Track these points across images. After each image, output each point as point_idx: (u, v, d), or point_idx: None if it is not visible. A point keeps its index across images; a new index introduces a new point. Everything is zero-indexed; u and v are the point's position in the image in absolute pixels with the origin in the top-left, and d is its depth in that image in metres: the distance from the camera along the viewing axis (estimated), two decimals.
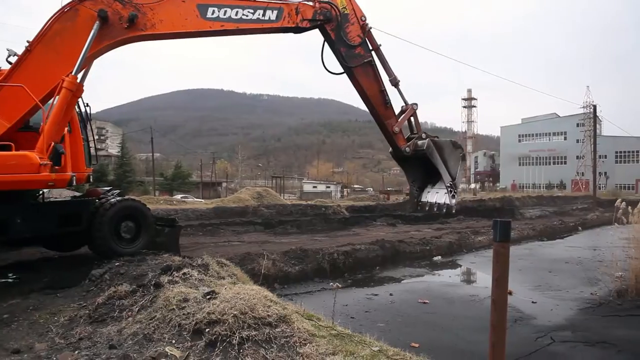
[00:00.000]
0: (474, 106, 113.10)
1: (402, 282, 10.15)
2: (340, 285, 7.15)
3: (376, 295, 8.69)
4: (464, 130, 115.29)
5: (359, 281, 10.08)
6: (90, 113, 8.78)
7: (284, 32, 7.69)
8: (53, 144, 6.64)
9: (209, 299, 4.38)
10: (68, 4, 7.11)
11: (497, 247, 3.04)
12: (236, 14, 7.20)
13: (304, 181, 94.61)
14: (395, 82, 7.54)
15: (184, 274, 5.24)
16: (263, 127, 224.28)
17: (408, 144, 7.43)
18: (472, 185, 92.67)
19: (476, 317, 7.15)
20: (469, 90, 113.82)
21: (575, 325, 6.78)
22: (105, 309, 4.85)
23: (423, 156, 7.22)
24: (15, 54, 7.29)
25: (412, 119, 7.63)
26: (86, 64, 7.78)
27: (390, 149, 7.91)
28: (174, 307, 4.33)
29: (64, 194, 11.88)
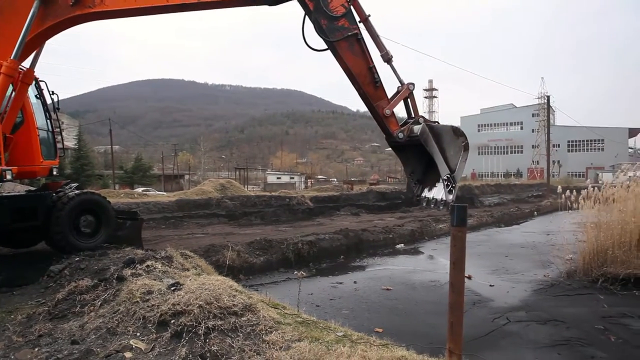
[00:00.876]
0: (435, 97, 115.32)
1: (366, 270, 10.34)
2: (304, 274, 7.18)
3: (341, 283, 8.84)
4: None
5: (323, 270, 10.21)
6: (58, 102, 8.42)
7: (254, 5, 6.93)
8: None
9: (173, 290, 4.36)
10: None
11: (455, 232, 3.19)
12: None
13: (267, 172, 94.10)
14: (387, 58, 6.67)
15: (148, 266, 5.18)
16: (226, 118, 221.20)
17: (402, 128, 6.56)
18: None
19: (437, 301, 7.41)
20: (430, 81, 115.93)
21: (529, 306, 7.15)
22: (65, 304, 4.76)
23: (419, 143, 6.37)
24: None
25: (409, 101, 6.69)
26: (34, 47, 7.26)
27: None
28: (138, 299, 4.29)
29: (17, 188, 11.42)
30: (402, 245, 13.44)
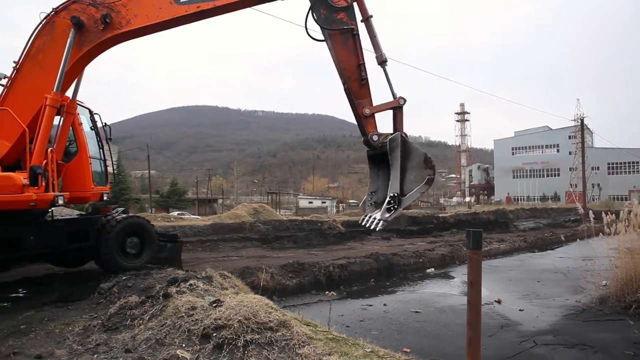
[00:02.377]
0: (467, 120, 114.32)
1: (396, 293, 10.52)
2: (335, 294, 7.45)
3: (370, 305, 9.06)
4: (458, 144, 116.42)
5: (354, 293, 10.45)
6: (110, 132, 9.14)
7: (268, 1, 7.16)
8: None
9: (215, 306, 4.77)
10: (44, 17, 7.20)
11: (471, 254, 3.48)
12: None
13: (299, 197, 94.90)
14: (381, 60, 6.49)
15: (190, 285, 5.62)
16: (258, 143, 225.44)
17: (378, 132, 6.23)
18: (467, 199, 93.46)
19: (465, 324, 7.53)
20: (462, 104, 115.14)
21: (558, 330, 7.19)
22: (117, 318, 5.23)
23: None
24: (5, 76, 7.43)
25: (397, 116, 6.34)
26: (74, 76, 7.71)
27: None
28: (183, 314, 4.71)
29: (63, 212, 12.27)
30: (433, 269, 13.52)
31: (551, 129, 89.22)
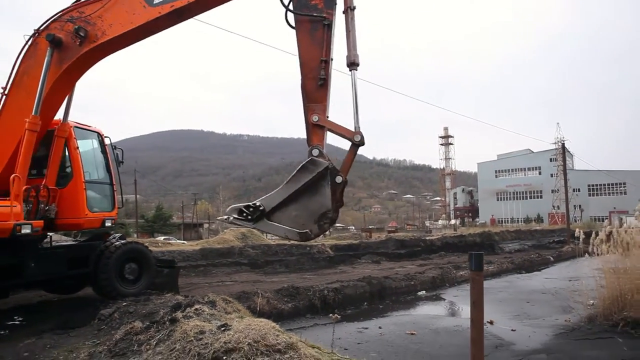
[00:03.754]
0: (451, 144, 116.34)
1: (390, 315, 10.65)
2: (339, 317, 7.55)
3: (366, 328, 9.18)
4: (442, 167, 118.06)
5: (349, 316, 10.55)
6: (122, 156, 9.12)
7: None
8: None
9: (223, 330, 4.88)
10: (27, 39, 7.17)
11: (473, 276, 3.70)
12: None
13: None
14: (350, 62, 5.38)
15: (196, 309, 5.73)
16: (244, 167, 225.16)
17: (322, 148, 5.20)
18: (452, 221, 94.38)
19: (460, 344, 7.70)
20: (446, 128, 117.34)
21: (550, 349, 7.41)
22: (124, 343, 5.30)
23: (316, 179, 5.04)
24: None
25: (349, 153, 5.34)
26: (59, 98, 7.54)
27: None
28: (192, 338, 4.81)
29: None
30: (424, 292, 13.69)
31: (533, 152, 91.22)
